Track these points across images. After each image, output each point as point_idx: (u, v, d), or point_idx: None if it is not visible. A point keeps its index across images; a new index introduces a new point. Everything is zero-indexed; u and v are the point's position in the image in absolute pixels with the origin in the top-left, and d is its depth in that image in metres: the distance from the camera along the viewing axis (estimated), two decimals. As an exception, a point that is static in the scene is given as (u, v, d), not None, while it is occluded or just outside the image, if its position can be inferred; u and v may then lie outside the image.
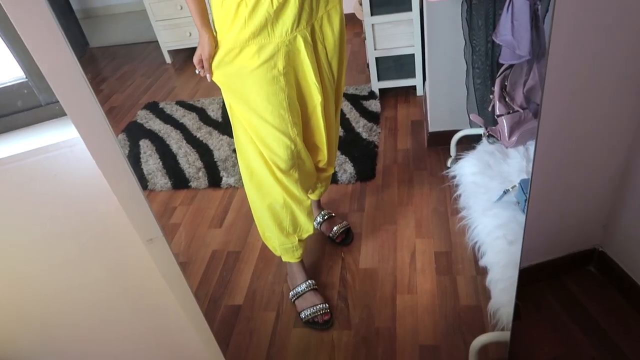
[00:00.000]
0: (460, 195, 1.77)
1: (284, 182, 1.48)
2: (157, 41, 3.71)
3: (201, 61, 1.35)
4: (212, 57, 1.33)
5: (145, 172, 2.46)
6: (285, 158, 1.42)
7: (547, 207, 1.42)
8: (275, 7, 1.23)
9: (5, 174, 0.83)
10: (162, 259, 0.91)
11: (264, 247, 1.90)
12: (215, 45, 1.32)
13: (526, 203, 1.57)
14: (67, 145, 0.82)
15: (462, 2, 1.80)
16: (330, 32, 1.40)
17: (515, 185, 1.62)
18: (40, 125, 0.87)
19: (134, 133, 2.83)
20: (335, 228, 1.86)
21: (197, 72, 1.38)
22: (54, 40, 0.72)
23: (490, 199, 1.66)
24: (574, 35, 1.15)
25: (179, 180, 2.37)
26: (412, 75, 2.68)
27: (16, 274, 0.99)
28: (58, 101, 0.80)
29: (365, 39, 2.65)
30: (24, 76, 0.85)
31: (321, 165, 1.65)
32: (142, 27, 4.06)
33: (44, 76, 0.73)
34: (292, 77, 1.37)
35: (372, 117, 2.57)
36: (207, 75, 1.39)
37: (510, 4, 1.62)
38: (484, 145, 1.88)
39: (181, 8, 3.48)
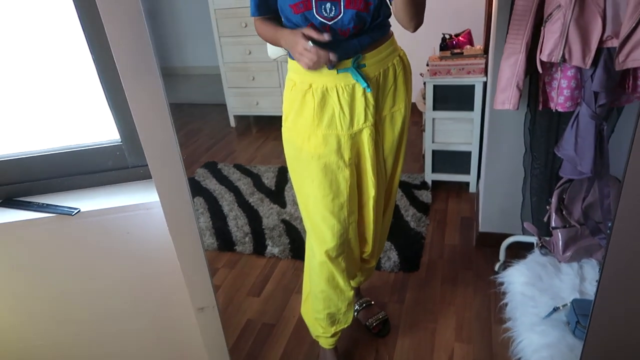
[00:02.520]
0: (506, 305, 1.72)
1: (330, 269, 1.49)
2: (225, 105, 3.94)
3: (306, 53, 1.23)
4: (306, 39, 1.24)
5: (194, 229, 2.54)
6: (336, 245, 1.44)
7: (609, 337, 1.33)
8: (343, 100, 1.31)
9: (86, 225, 0.89)
10: (209, 329, 0.93)
11: (299, 324, 1.88)
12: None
13: (577, 325, 1.50)
14: (145, 208, 0.87)
15: (527, 112, 1.85)
16: (391, 133, 1.46)
17: (566, 304, 1.56)
18: (124, 185, 0.94)
19: (190, 189, 2.95)
20: (372, 318, 1.83)
21: (331, 59, 1.23)
22: (159, 111, 0.79)
23: (539, 314, 1.59)
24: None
25: (225, 242, 2.43)
26: (467, 171, 2.70)
27: (69, 315, 1.04)
28: (144, 165, 0.87)
29: (424, 130, 2.72)
30: (119, 139, 0.93)
31: (365, 256, 1.65)
32: (214, 90, 4.35)
33: (140, 141, 0.81)
34: (354, 168, 1.42)
35: (422, 208, 2.58)
36: (330, 56, 1.24)
37: (576, 121, 1.64)
38: (535, 256, 1.84)
39: (253, 79, 3.71)
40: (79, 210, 0.88)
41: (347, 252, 1.51)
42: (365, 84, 1.30)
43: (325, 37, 1.22)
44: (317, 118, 1.34)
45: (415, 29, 1.26)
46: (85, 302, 1.03)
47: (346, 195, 1.41)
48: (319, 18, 1.23)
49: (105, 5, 0.69)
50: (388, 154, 1.50)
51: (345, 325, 1.62)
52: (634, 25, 1.37)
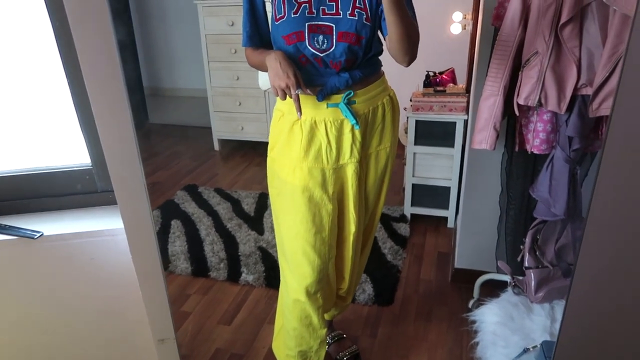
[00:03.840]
0: (477, 344, 1.71)
1: (304, 308, 1.47)
2: (210, 128, 3.95)
3: (287, 90, 1.23)
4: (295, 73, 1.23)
5: (169, 253, 2.50)
6: (315, 280, 1.43)
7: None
8: (331, 135, 1.32)
9: (48, 249, 0.87)
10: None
11: (268, 357, 1.85)
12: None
13: (547, 368, 1.49)
14: (111, 234, 0.86)
15: (504, 152, 1.88)
16: (374, 171, 1.46)
17: (536, 346, 1.56)
18: (92, 210, 0.93)
19: (169, 211, 2.92)
20: (343, 352, 1.80)
21: (297, 92, 1.23)
22: (126, 141, 0.79)
23: (509, 354, 1.58)
24: (614, 204, 1.16)
25: (199, 267, 2.39)
26: (445, 206, 2.72)
27: (28, 341, 1.00)
28: (112, 190, 0.86)
29: (405, 164, 2.75)
30: (90, 163, 0.92)
31: (342, 293, 1.64)
32: (201, 113, 4.36)
33: (107, 165, 0.80)
34: (336, 203, 1.42)
35: (400, 241, 2.58)
36: (300, 90, 1.24)
37: (551, 164, 1.67)
38: (508, 295, 1.84)
39: (239, 104, 3.73)
40: (42, 234, 0.86)
41: (324, 288, 1.49)
42: (354, 121, 1.31)
43: (308, 91, 1.25)
44: (303, 151, 1.33)
45: (409, 63, 1.27)
46: (46, 329, 1.00)
47: (328, 229, 1.40)
48: (311, 49, 1.25)
49: (80, 35, 0.69)
50: (370, 191, 1.50)
51: None
52: (607, 75, 1.41)
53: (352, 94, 1.31)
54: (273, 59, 1.25)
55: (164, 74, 5.42)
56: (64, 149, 0.92)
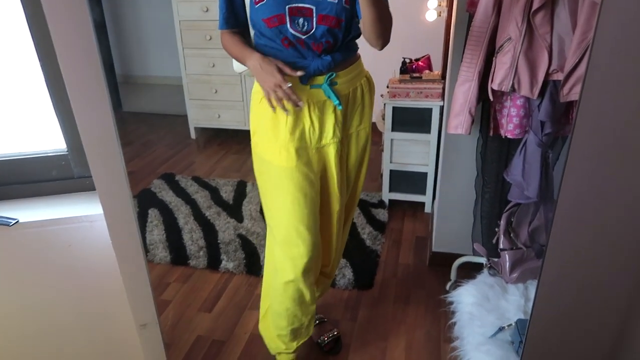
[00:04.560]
0: (455, 324, 1.75)
1: (299, 287, 1.48)
2: (186, 116, 3.89)
3: (279, 90, 1.24)
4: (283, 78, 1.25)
5: (147, 242, 2.48)
6: (310, 258, 1.44)
7: (544, 356, 1.39)
8: (314, 115, 1.34)
9: (24, 236, 0.86)
10: (150, 345, 0.91)
11: (250, 342, 1.86)
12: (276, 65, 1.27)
13: (520, 344, 1.54)
14: (88, 220, 0.85)
15: (479, 137, 1.91)
16: (355, 150, 1.50)
17: (511, 324, 1.61)
18: (68, 196, 0.92)
19: (145, 201, 2.89)
20: (324, 335, 1.82)
21: (288, 85, 1.23)
22: (105, 124, 0.78)
23: (485, 333, 1.63)
24: (582, 187, 1.20)
25: (178, 255, 2.38)
26: (423, 192, 2.76)
27: (5, 331, 0.99)
28: (89, 176, 0.85)
29: (382, 150, 2.77)
30: (65, 149, 0.90)
31: (327, 270, 1.67)
32: (175, 101, 4.29)
33: (84, 150, 0.79)
34: (319, 182, 1.44)
35: (379, 226, 2.61)
36: (298, 103, 1.26)
37: (524, 148, 1.71)
38: (484, 276, 1.89)
39: (216, 92, 3.69)
40: (18, 221, 0.85)
41: (315, 264, 1.52)
42: (337, 101, 1.34)
43: (299, 73, 1.26)
44: (289, 132, 1.35)
45: (382, 47, 1.29)
46: (23, 318, 0.99)
47: (317, 208, 1.43)
48: (293, 32, 1.26)
49: (54, 15, 0.68)
50: (351, 170, 1.54)
51: (306, 338, 1.63)
52: (576, 60, 1.45)
53: (334, 75, 1.33)
54: (253, 67, 1.29)
55: (136, 61, 5.31)
56: (38, 133, 0.91)
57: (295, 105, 1.26)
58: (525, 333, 1.55)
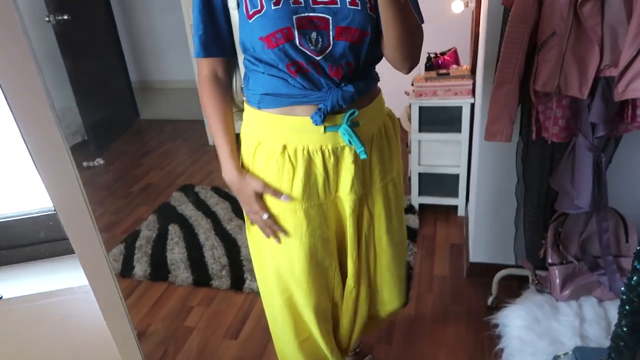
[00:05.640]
0: (502, 350, 1.59)
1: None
2: (203, 121, 3.79)
3: (261, 203, 1.09)
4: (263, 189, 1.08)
5: (168, 262, 2.38)
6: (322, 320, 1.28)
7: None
8: (330, 166, 1.07)
9: (10, 313, 0.74)
10: None
11: (279, 373, 1.74)
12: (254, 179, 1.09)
13: (580, 377, 1.38)
14: (82, 291, 0.73)
15: (519, 141, 1.74)
16: (384, 209, 1.21)
17: (567, 353, 1.44)
18: (59, 260, 0.80)
19: (165, 215, 2.79)
20: (358, 364, 1.69)
21: (265, 217, 1.10)
22: (70, 182, 0.65)
23: (538, 362, 1.47)
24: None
25: (201, 276, 2.27)
26: (455, 194, 2.59)
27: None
28: (83, 236, 0.73)
29: (409, 152, 2.61)
30: (52, 207, 0.78)
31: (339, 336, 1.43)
32: (192, 105, 4.19)
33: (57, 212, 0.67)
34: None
35: (410, 234, 2.45)
36: (281, 234, 1.12)
37: (572, 152, 1.54)
38: (531, 293, 1.72)
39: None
40: (1, 297, 0.73)
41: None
42: (362, 147, 1.03)
43: (283, 199, 1.06)
44: (300, 191, 1.06)
45: (409, 70, 1.05)
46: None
47: (335, 283, 1.26)
48: (304, 50, 0.96)
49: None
50: (380, 237, 1.25)
51: None
52: (634, 54, 1.26)
53: (356, 113, 1.03)
54: (228, 181, 1.11)
55: (152, 67, 5.24)
56: (19, 192, 0.79)
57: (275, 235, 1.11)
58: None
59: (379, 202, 1.20)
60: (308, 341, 1.32)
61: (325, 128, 1.02)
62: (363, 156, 1.05)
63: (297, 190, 1.07)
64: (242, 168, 1.12)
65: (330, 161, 1.06)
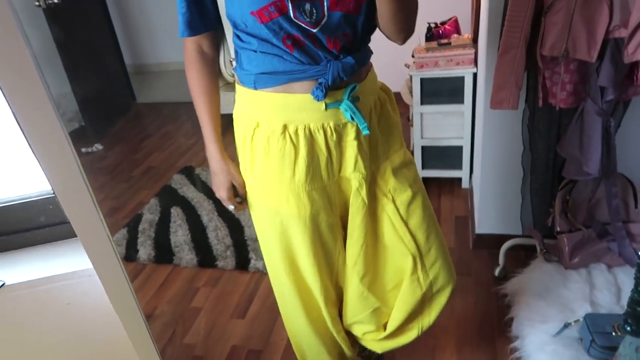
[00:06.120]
0: (512, 320, 1.58)
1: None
2: (201, 103, 3.73)
3: (230, 193, 1.14)
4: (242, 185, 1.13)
5: (172, 244, 2.37)
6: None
7: None
8: (332, 144, 1.03)
9: (14, 300, 0.72)
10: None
11: (287, 349, 1.74)
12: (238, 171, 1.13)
13: (591, 344, 1.37)
14: (86, 274, 0.71)
15: (525, 108, 1.70)
16: (396, 182, 1.14)
17: (578, 320, 1.43)
18: (62, 244, 0.77)
19: (167, 198, 2.77)
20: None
21: (231, 208, 1.16)
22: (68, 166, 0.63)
23: (548, 330, 1.46)
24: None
25: (205, 257, 2.26)
26: (459, 166, 2.56)
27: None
28: (85, 218, 0.70)
29: (412, 125, 2.57)
30: (51, 190, 0.76)
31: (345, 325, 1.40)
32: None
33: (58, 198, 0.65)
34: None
35: (414, 208, 2.44)
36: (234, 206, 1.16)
37: (580, 118, 1.50)
38: (539, 262, 1.71)
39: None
40: (4, 283, 0.71)
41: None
42: (364, 123, 1.00)
43: (242, 208, 1.14)
44: (304, 172, 1.03)
45: (404, 40, 1.00)
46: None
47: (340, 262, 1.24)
48: (300, 23, 0.91)
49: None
50: (406, 209, 1.17)
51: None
52: (645, 12, 1.22)
53: (357, 87, 0.99)
54: (210, 166, 1.12)
55: (147, 50, 5.15)
56: (16, 176, 0.76)
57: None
58: (598, 331, 1.38)
59: (390, 176, 1.14)
60: (318, 320, 1.31)
61: (326, 105, 0.99)
62: (366, 132, 1.01)
63: (301, 171, 1.04)
64: (226, 155, 1.13)
65: (333, 139, 1.03)
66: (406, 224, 1.17)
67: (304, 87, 0.98)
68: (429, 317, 1.34)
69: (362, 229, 1.16)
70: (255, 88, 1.01)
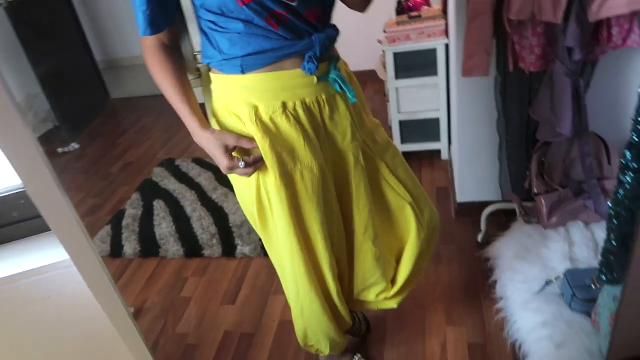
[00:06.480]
0: (495, 282, 1.62)
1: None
2: (176, 94, 3.68)
3: (229, 155, 1.04)
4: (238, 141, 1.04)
5: (157, 237, 2.36)
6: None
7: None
8: (326, 116, 1.06)
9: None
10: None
11: (280, 330, 1.76)
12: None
13: (572, 298, 1.41)
14: (64, 266, 0.71)
15: (496, 75, 1.71)
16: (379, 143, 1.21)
17: (559, 276, 1.47)
18: (37, 238, 0.77)
19: (148, 192, 2.75)
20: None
21: (241, 165, 1.03)
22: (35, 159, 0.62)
23: (530, 289, 1.51)
24: None
25: (191, 247, 2.26)
26: (437, 138, 2.58)
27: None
28: (58, 210, 0.70)
29: (388, 101, 2.58)
30: (21, 184, 0.75)
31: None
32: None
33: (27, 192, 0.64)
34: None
35: (395, 183, 2.46)
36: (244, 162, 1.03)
37: (550, 80, 1.52)
38: (519, 225, 1.75)
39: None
40: (-20, 281, 0.71)
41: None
42: (352, 91, 1.03)
43: (250, 159, 1.00)
44: (309, 147, 1.03)
45: (365, 8, 1.04)
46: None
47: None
48: None
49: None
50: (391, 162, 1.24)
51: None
52: (606, -31, 1.23)
53: (339, 59, 1.04)
54: (197, 140, 1.07)
55: (116, 45, 5.05)
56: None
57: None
58: (579, 285, 1.42)
59: (374, 138, 1.20)
60: (324, 291, 1.28)
61: (317, 78, 1.01)
62: (353, 100, 1.05)
63: (310, 146, 1.04)
64: (207, 123, 1.08)
65: (326, 111, 1.05)
66: (397, 177, 1.24)
67: (293, 63, 0.99)
68: (428, 255, 1.41)
69: (366, 195, 1.20)
70: (244, 72, 0.99)
